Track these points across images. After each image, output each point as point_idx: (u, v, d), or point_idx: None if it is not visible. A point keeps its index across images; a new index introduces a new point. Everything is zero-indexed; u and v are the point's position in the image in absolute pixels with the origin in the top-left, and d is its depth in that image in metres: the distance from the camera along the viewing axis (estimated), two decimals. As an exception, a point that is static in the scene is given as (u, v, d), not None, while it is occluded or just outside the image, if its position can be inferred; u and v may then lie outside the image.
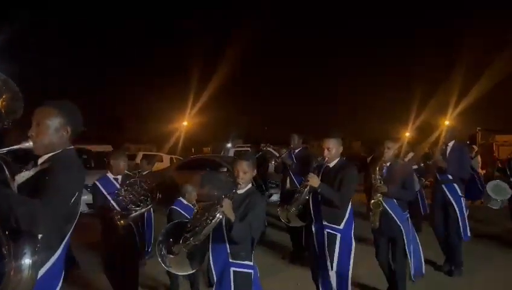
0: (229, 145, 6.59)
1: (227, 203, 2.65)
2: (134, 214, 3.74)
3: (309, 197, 3.88)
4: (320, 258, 3.80)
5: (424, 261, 4.59)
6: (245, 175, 2.85)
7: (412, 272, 4.34)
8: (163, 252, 2.89)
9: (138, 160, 20.81)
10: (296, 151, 5.97)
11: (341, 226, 3.73)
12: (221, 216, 2.64)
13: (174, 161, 18.95)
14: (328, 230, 3.72)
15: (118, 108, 47.98)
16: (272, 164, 6.42)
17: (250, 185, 2.95)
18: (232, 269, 2.77)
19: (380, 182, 4.22)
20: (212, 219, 2.64)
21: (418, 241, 4.51)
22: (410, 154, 5.73)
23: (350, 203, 3.84)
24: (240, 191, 2.86)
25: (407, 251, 4.24)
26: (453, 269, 5.17)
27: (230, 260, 2.78)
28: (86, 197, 7.26)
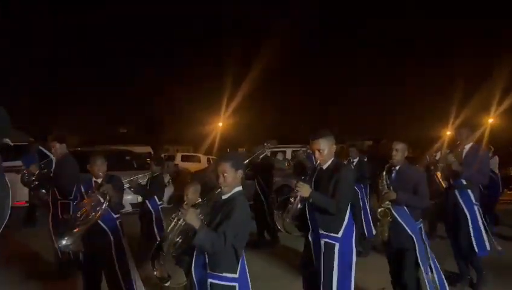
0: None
1: (187, 212, 2.51)
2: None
3: (303, 205, 3.56)
4: (318, 268, 3.44)
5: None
6: (226, 178, 2.67)
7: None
8: (156, 265, 2.82)
9: (177, 161, 21.74)
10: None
11: (339, 235, 3.36)
12: (182, 223, 2.55)
13: (211, 161, 19.15)
14: (326, 240, 3.37)
15: (156, 110, 49.06)
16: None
17: (237, 189, 2.74)
18: (209, 280, 2.60)
19: (388, 188, 3.88)
20: (175, 225, 2.58)
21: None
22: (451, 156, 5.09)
23: (349, 208, 3.47)
24: (224, 196, 2.70)
25: (420, 264, 3.82)
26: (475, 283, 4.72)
27: (208, 271, 2.61)
28: (130, 197, 7.56)
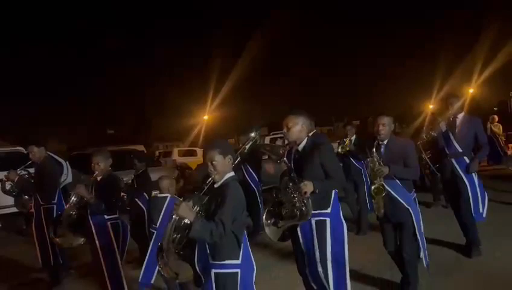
0: (252, 134, 6.52)
1: (179, 206, 2.44)
2: None
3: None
4: (308, 250, 3.40)
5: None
6: (215, 165, 2.63)
7: (425, 258, 3.90)
8: (160, 261, 2.72)
9: (175, 156, 21.67)
10: (310, 134, 5.78)
11: (329, 210, 3.35)
12: (176, 217, 2.49)
13: None
14: (316, 218, 3.31)
15: (142, 108, 48.56)
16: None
17: (229, 175, 2.68)
18: (213, 271, 2.57)
19: (379, 164, 3.80)
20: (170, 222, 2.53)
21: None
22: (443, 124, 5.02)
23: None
24: (216, 184, 2.66)
25: (417, 234, 3.83)
26: (472, 249, 4.74)
27: (211, 261, 2.59)
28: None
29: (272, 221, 3.38)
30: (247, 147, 6.32)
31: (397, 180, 3.82)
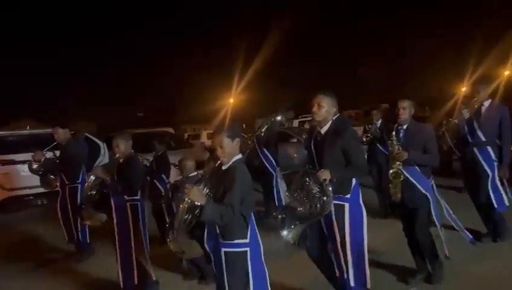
0: (278, 118, 6.59)
1: (191, 190, 2.50)
2: None
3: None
4: (330, 234, 3.35)
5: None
6: (224, 149, 2.69)
7: (446, 246, 3.83)
8: (170, 240, 2.85)
9: (203, 139, 21.92)
10: (334, 118, 5.74)
11: (349, 195, 3.29)
12: (188, 200, 2.54)
13: None
14: (336, 202, 3.24)
15: (169, 91, 49.06)
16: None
17: (237, 157, 2.74)
18: (223, 249, 2.68)
19: (398, 149, 3.72)
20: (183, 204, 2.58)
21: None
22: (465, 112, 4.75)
23: None
24: (224, 167, 2.73)
25: (435, 220, 3.78)
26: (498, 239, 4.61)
27: (221, 241, 2.68)
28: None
29: (290, 225, 3.22)
30: (263, 130, 6.33)
31: (416, 167, 3.73)
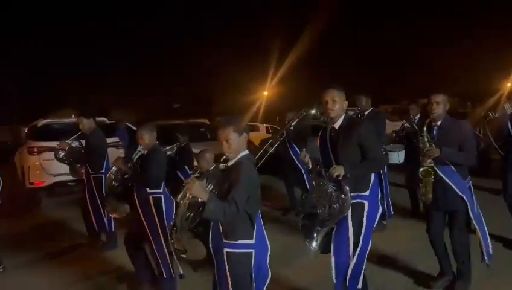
0: (312, 111, 6.48)
1: (193, 185, 2.34)
2: None
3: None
4: (342, 233, 3.14)
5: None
6: (230, 143, 2.54)
7: (485, 253, 3.54)
8: (174, 235, 2.75)
9: None
10: (366, 113, 5.61)
11: (367, 193, 3.11)
12: (190, 196, 2.42)
13: (270, 129, 19.81)
14: (354, 200, 3.06)
15: (204, 83, 49.45)
16: None
17: (243, 153, 2.59)
18: (225, 250, 2.52)
19: (430, 145, 3.46)
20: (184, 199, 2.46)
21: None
22: (509, 107, 4.58)
23: None
24: (230, 162, 2.59)
25: (475, 225, 3.49)
26: None
27: (224, 241, 2.53)
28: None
29: (313, 234, 3.07)
30: (293, 124, 6.13)
31: (451, 166, 3.46)
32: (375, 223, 3.18)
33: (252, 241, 2.51)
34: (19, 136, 14.32)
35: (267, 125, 21.59)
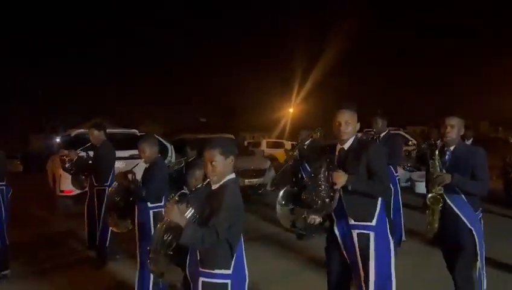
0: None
1: (171, 210, 2.24)
2: None
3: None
4: (353, 263, 2.96)
5: None
6: (215, 166, 2.40)
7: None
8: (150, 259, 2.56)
9: (263, 147, 22.13)
10: (381, 135, 5.44)
11: (373, 223, 2.89)
12: (167, 220, 2.29)
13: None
14: (359, 231, 2.89)
15: (230, 99, 50.03)
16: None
17: (229, 177, 2.45)
18: (201, 279, 2.36)
19: (441, 171, 3.23)
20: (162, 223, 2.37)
21: None
22: None
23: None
24: (214, 186, 2.45)
25: (478, 259, 3.23)
26: None
27: (200, 269, 2.38)
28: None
29: (288, 203, 2.99)
30: (306, 143, 5.97)
31: (462, 195, 3.22)
32: (391, 256, 2.92)
33: (229, 272, 2.37)
34: (51, 145, 14.72)
35: (293, 142, 21.64)
